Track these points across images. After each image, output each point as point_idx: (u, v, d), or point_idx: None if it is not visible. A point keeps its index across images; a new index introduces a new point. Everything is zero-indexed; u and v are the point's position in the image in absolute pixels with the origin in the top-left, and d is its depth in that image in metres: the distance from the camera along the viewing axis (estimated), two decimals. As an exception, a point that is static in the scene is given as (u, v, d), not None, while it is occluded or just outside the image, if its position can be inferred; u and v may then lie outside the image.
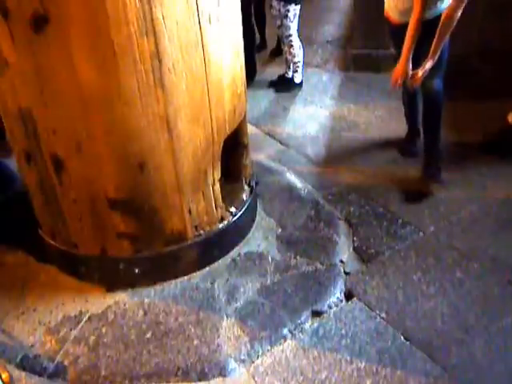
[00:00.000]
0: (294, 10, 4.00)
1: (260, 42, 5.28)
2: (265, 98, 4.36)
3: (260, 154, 3.31)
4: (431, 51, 2.65)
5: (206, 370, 1.91)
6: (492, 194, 2.83)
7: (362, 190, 2.85)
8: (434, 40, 2.62)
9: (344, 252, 2.47)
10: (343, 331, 2.05)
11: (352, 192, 2.91)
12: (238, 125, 2.36)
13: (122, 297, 2.26)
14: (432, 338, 1.99)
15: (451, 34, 2.60)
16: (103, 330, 2.09)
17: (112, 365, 1.95)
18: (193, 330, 2.07)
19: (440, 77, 2.82)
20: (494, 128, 3.28)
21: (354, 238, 2.57)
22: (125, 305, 2.21)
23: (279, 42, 5.18)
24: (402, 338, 2.00)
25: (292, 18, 4.03)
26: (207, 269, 2.37)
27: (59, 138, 1.95)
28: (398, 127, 3.52)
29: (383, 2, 2.88)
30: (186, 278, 2.33)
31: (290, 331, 2.06)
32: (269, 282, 2.28)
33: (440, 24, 2.57)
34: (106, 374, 1.92)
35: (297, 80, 4.42)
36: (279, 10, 4.02)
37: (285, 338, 2.04)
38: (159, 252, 2.25)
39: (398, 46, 2.76)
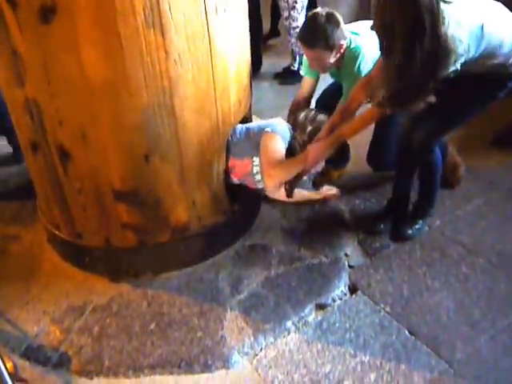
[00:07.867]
0: (302, 1, 3.97)
1: (272, 30, 5.29)
2: (270, 90, 4.34)
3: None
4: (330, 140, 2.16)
5: (210, 361, 1.91)
6: (498, 188, 2.81)
7: (368, 183, 2.84)
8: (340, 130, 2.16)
9: (348, 245, 2.46)
10: (347, 325, 2.05)
11: (357, 185, 2.89)
12: (243, 116, 2.35)
13: (126, 288, 2.26)
14: (437, 333, 1.98)
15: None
16: (107, 321, 2.10)
17: (116, 355, 1.95)
18: (196, 321, 2.07)
19: (435, 141, 2.25)
20: (503, 122, 3.26)
21: (359, 232, 2.57)
22: (129, 296, 2.22)
23: (273, 25, 5.20)
24: (406, 332, 2.00)
25: (300, 9, 4.00)
26: (211, 260, 2.37)
27: (65, 129, 1.95)
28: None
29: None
30: (190, 269, 2.33)
31: (294, 324, 2.06)
32: (273, 274, 2.28)
33: (364, 118, 2.13)
34: (110, 365, 1.92)
35: (302, 72, 4.39)
36: (287, 1, 3.99)
37: (288, 330, 2.04)
38: (163, 243, 2.25)
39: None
